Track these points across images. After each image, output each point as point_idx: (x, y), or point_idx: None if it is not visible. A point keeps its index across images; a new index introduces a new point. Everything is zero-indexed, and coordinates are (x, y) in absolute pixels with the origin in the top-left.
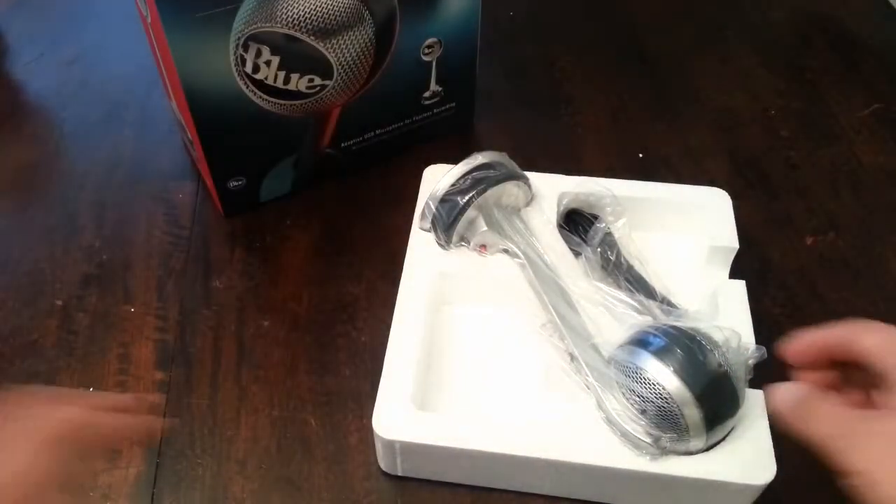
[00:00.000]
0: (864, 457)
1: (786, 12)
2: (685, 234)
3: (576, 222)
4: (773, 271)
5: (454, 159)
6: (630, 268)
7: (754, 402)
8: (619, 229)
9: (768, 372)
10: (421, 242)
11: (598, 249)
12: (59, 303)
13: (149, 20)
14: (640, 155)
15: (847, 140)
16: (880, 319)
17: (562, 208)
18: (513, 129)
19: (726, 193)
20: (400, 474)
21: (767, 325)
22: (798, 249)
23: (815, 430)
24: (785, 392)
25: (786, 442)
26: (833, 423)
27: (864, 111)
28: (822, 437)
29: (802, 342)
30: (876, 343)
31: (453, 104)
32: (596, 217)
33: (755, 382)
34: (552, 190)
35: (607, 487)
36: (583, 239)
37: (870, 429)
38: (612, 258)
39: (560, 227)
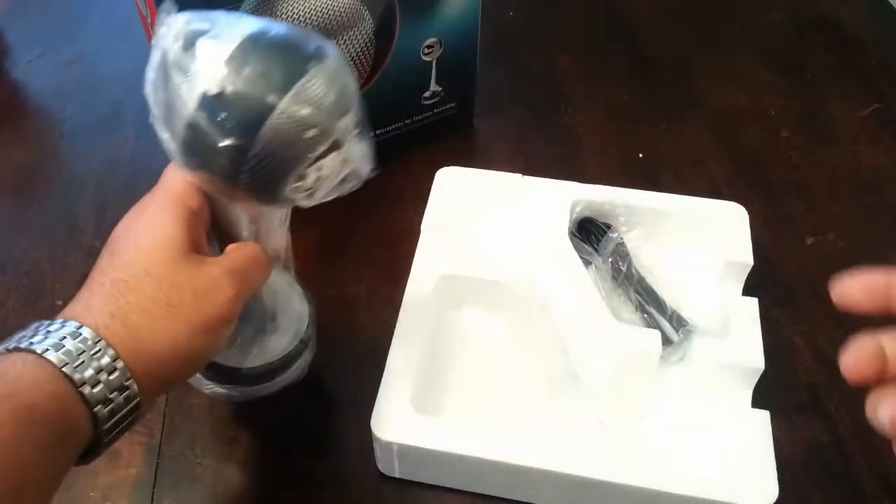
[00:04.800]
0: None
1: (786, 12)
2: (699, 248)
3: (588, 231)
4: (773, 271)
5: (455, 160)
6: (641, 279)
7: (758, 422)
8: (633, 240)
9: (772, 393)
10: (429, 245)
11: (610, 259)
12: (59, 303)
13: (149, 20)
14: (640, 154)
15: (847, 140)
16: (880, 321)
17: (575, 216)
18: (513, 129)
19: (743, 209)
20: (398, 476)
21: (767, 327)
22: (798, 249)
23: None
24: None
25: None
26: None
27: (864, 111)
28: None
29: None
30: None
31: (453, 104)
32: (609, 226)
33: (759, 402)
34: (565, 197)
35: (604, 502)
36: (594, 248)
37: None
38: (624, 269)
39: (572, 234)
